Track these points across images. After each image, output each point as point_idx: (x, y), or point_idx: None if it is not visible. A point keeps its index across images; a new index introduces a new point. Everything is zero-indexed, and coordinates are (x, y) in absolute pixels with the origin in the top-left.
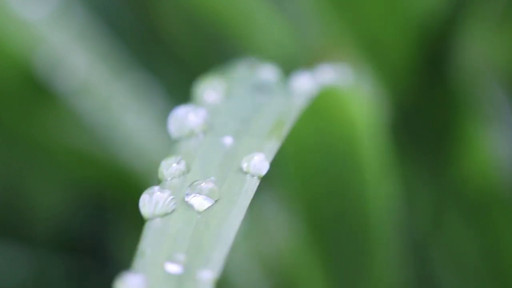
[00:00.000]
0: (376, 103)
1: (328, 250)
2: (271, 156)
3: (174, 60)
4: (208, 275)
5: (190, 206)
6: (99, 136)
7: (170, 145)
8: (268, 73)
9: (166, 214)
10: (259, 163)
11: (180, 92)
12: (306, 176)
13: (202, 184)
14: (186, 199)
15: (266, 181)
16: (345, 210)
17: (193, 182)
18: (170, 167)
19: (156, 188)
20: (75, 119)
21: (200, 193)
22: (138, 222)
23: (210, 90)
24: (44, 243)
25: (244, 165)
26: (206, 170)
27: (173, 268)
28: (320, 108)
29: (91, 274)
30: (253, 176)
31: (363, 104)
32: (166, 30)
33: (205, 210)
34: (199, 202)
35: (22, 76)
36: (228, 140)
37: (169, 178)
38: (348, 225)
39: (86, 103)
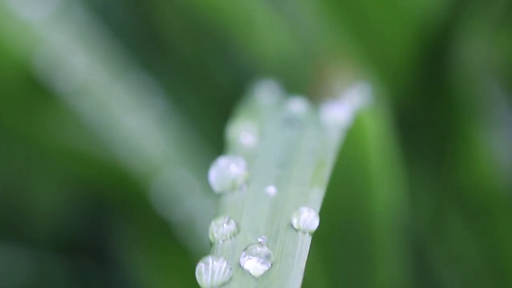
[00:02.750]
0: (383, 112)
1: (331, 256)
2: (318, 207)
3: (174, 60)
4: None
5: (246, 272)
6: (99, 136)
7: (173, 149)
8: (297, 104)
9: (224, 284)
10: (309, 219)
11: (179, 92)
12: None
13: (257, 249)
14: (241, 264)
15: None
16: (350, 218)
17: (247, 247)
18: (220, 228)
19: (210, 257)
20: (75, 119)
21: (254, 256)
22: (137, 223)
23: (244, 132)
24: (43, 243)
25: (294, 221)
26: (256, 228)
27: None
28: None
29: (91, 274)
30: (304, 233)
31: (373, 116)
32: (166, 30)
33: (262, 275)
34: (255, 266)
35: (22, 76)
36: (271, 190)
37: (221, 241)
38: (352, 233)
39: (86, 103)
